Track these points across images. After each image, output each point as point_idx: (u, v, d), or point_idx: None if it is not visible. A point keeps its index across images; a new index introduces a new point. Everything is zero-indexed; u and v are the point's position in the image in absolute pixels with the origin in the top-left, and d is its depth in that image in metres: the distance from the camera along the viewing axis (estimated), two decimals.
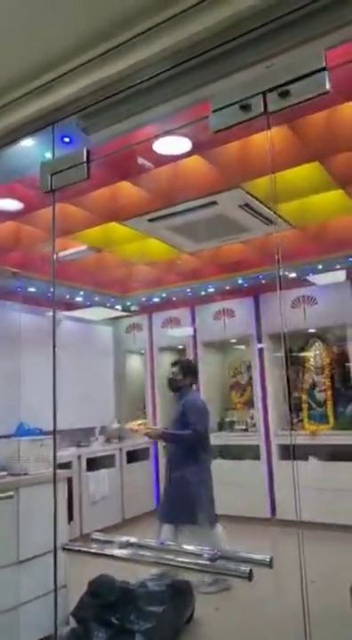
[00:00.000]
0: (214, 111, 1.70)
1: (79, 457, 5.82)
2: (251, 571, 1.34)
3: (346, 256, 5.38)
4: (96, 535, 2.09)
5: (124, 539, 1.89)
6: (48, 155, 2.23)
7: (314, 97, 1.48)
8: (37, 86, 2.03)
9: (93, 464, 6.03)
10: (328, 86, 1.46)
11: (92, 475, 5.90)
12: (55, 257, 2.48)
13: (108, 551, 1.94)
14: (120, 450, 6.45)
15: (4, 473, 3.44)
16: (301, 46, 1.54)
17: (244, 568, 1.38)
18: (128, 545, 1.84)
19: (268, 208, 4.08)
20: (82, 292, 6.24)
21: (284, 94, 1.51)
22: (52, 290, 5.37)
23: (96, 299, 6.57)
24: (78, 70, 2.00)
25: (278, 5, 1.57)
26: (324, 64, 1.46)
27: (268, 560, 1.46)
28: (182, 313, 7.06)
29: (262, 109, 1.55)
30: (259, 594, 2.99)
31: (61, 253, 4.79)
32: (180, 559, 1.77)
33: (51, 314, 5.08)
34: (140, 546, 1.89)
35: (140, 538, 1.92)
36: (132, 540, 1.89)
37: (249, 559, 1.51)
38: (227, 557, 1.53)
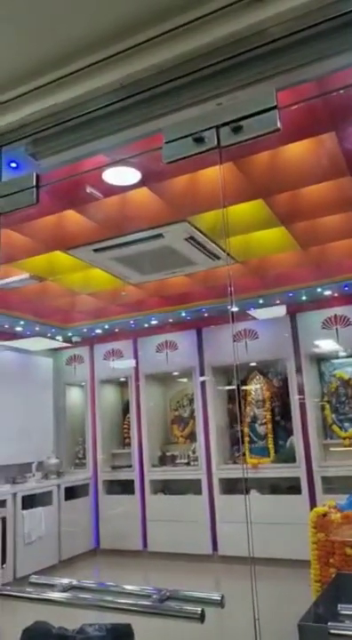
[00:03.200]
0: (167, 142, 1.72)
1: (14, 494, 5.54)
2: (202, 611, 1.28)
3: (286, 291, 5.54)
4: (34, 578, 1.96)
5: (66, 581, 1.78)
6: None
7: (265, 134, 1.53)
8: None
9: (29, 502, 5.75)
10: (279, 124, 1.51)
11: (27, 513, 5.62)
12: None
13: (47, 595, 1.81)
14: (58, 486, 6.20)
15: None
16: (253, 85, 1.60)
17: (195, 609, 1.32)
18: (70, 588, 1.73)
19: (213, 242, 4.15)
20: (22, 322, 6.05)
21: (237, 130, 1.55)
22: None
23: (36, 328, 6.38)
24: (29, 95, 1.98)
25: (230, 45, 1.63)
26: (275, 103, 1.52)
27: (218, 599, 1.41)
28: (125, 345, 6.99)
29: (216, 143, 1.58)
30: (205, 633, 2.89)
31: (2, 281, 4.64)
32: (125, 601, 1.68)
33: None
34: (82, 588, 1.78)
35: (79, 580, 1.81)
36: (75, 582, 1.78)
37: (199, 598, 1.45)
38: (176, 597, 1.47)
